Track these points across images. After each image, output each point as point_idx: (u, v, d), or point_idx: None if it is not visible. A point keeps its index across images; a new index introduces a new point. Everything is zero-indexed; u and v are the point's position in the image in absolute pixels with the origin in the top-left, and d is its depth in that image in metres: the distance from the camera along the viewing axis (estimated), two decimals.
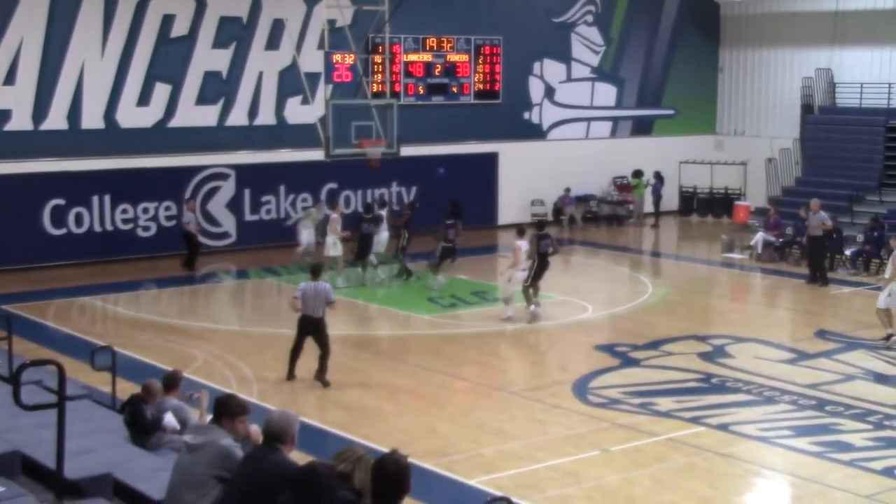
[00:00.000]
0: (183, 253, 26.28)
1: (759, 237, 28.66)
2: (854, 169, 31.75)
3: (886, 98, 33.16)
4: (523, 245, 21.04)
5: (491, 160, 33.44)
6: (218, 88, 28.76)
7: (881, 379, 17.33)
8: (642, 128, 37.19)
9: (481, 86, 32.76)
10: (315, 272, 16.71)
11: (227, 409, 7.85)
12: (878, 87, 33.24)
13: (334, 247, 24.30)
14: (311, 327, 16.51)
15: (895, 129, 31.85)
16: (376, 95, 27.76)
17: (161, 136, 27.95)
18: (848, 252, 27.16)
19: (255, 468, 7.03)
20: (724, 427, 14.79)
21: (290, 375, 16.78)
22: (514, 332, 20.40)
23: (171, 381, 11.29)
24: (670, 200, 36.31)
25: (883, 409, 15.57)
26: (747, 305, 24.95)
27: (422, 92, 31.59)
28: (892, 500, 12.27)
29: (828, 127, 33.60)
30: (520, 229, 21.83)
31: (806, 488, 12.83)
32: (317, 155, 26.08)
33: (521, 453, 13.71)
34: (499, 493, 11.06)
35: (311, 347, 16.75)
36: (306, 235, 25.72)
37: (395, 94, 29.29)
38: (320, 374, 16.61)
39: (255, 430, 8.18)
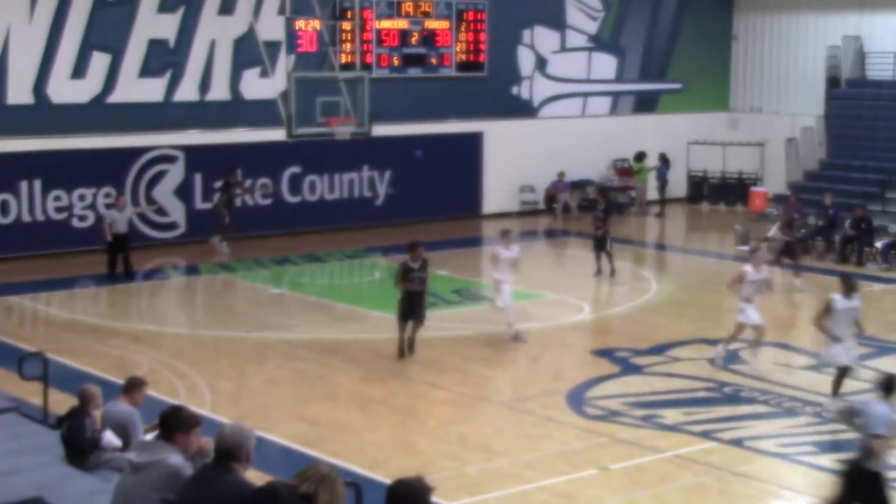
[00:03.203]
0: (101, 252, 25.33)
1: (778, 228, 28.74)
2: (886, 150, 31.88)
3: None
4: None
5: (475, 141, 33.46)
6: (164, 59, 28.66)
7: None
8: (646, 104, 37.27)
9: (464, 57, 32.75)
10: (889, 386, 11.69)
11: (179, 423, 7.84)
12: None
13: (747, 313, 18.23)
14: None
15: None
16: (345, 67, 27.75)
17: (99, 113, 27.84)
18: (879, 244, 27.30)
19: (206, 490, 7.02)
20: (738, 442, 14.85)
21: None
22: (500, 336, 20.42)
23: (132, 384, 11.25)
24: (677, 186, 36.41)
25: None
26: (765, 305, 25.01)
27: (396, 63, 31.56)
28: None
29: (856, 102, 33.73)
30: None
31: None
32: (277, 135, 26.01)
33: (510, 472, 13.74)
34: None
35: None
36: None
37: (366, 66, 29.26)
38: None
39: (208, 442, 8.18)
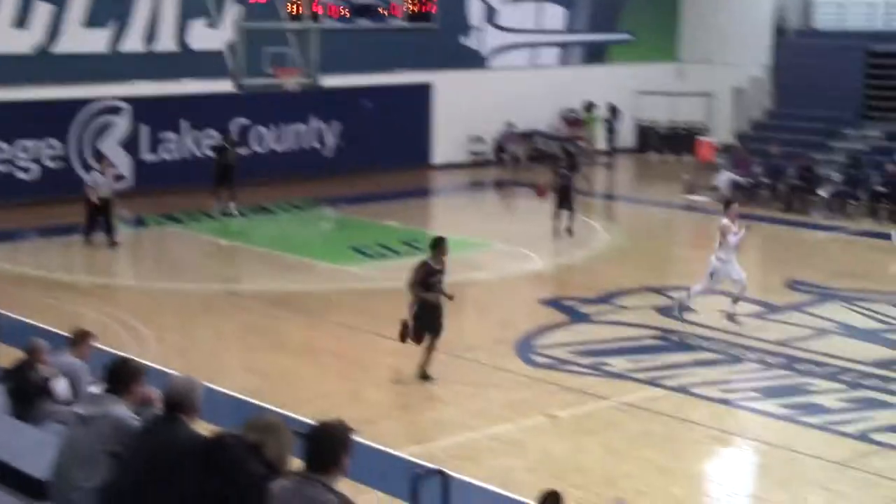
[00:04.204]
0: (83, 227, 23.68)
1: (725, 177, 28.98)
2: (832, 100, 32.11)
3: (869, 19, 33.57)
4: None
5: (424, 92, 33.37)
6: (109, 9, 28.29)
7: (857, 333, 17.70)
8: (595, 55, 37.29)
9: (413, 7, 32.53)
10: None
11: (126, 375, 7.83)
12: (859, 6, 33.65)
13: None
14: None
15: (878, 55, 32.28)
16: (293, 18, 27.53)
17: (43, 64, 27.49)
18: (823, 192, 27.60)
19: (155, 442, 7.03)
20: (683, 389, 15.03)
21: None
22: (449, 286, 20.47)
23: (79, 338, 11.23)
24: (626, 136, 36.54)
25: (858, 367, 15.93)
26: (711, 253, 25.26)
27: (345, 14, 31.32)
28: (868, 467, 12.61)
29: (803, 52, 33.92)
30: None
31: (774, 455, 13.12)
32: (225, 86, 25.86)
33: (458, 421, 13.84)
34: (432, 466, 11.17)
35: None
36: None
37: (314, 17, 29.01)
38: None
39: (153, 391, 8.19)
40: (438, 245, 15.13)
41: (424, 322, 15.00)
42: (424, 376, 15.09)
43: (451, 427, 13.63)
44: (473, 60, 34.59)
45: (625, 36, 37.56)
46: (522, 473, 12.28)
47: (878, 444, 13.32)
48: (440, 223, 28.06)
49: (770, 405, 14.50)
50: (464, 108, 33.74)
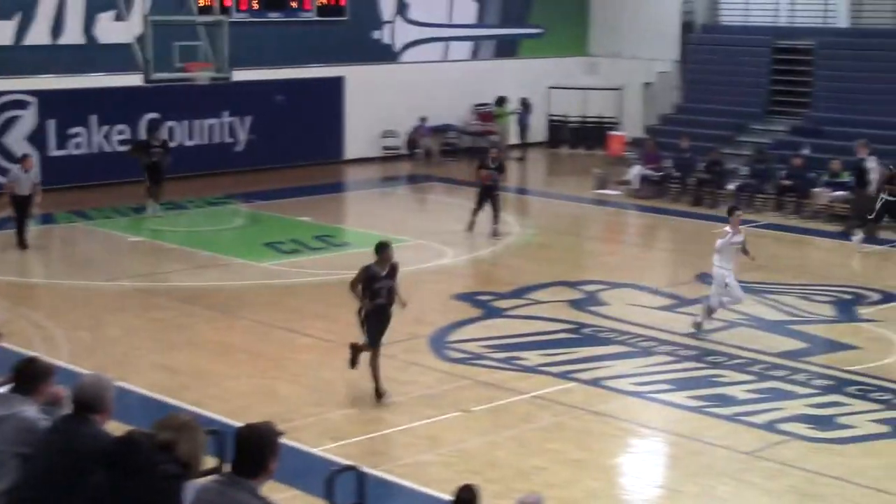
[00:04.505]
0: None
1: (636, 171, 29.28)
2: (738, 94, 32.58)
3: (774, 15, 34.14)
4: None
5: (336, 86, 33.24)
6: (14, 0, 27.81)
7: (765, 325, 18.01)
8: (506, 49, 37.43)
9: (324, 0, 32.40)
10: None
11: (35, 375, 7.70)
12: (764, 2, 34.18)
13: None
14: None
15: (783, 51, 32.84)
16: (203, 10, 27.25)
17: None
18: (731, 186, 27.98)
19: (63, 442, 6.93)
20: (596, 382, 15.18)
21: None
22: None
23: None
24: (537, 130, 36.73)
25: (767, 359, 16.23)
26: (622, 247, 25.55)
27: (256, 7, 31.06)
28: (775, 456, 12.85)
29: (710, 48, 34.39)
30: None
31: (684, 446, 13.32)
32: (134, 80, 25.51)
33: (372, 417, 13.84)
34: (347, 462, 11.16)
35: None
36: None
37: (224, 10, 28.74)
38: None
39: (61, 390, 8.06)
40: (382, 250, 14.25)
41: (369, 328, 14.27)
42: (380, 395, 14.26)
43: (366, 423, 13.62)
44: (385, 54, 34.54)
45: (536, 30, 37.75)
46: (437, 468, 12.34)
47: (786, 433, 13.59)
48: (354, 218, 28.01)
49: (680, 397, 14.71)
50: (376, 103, 33.68)
